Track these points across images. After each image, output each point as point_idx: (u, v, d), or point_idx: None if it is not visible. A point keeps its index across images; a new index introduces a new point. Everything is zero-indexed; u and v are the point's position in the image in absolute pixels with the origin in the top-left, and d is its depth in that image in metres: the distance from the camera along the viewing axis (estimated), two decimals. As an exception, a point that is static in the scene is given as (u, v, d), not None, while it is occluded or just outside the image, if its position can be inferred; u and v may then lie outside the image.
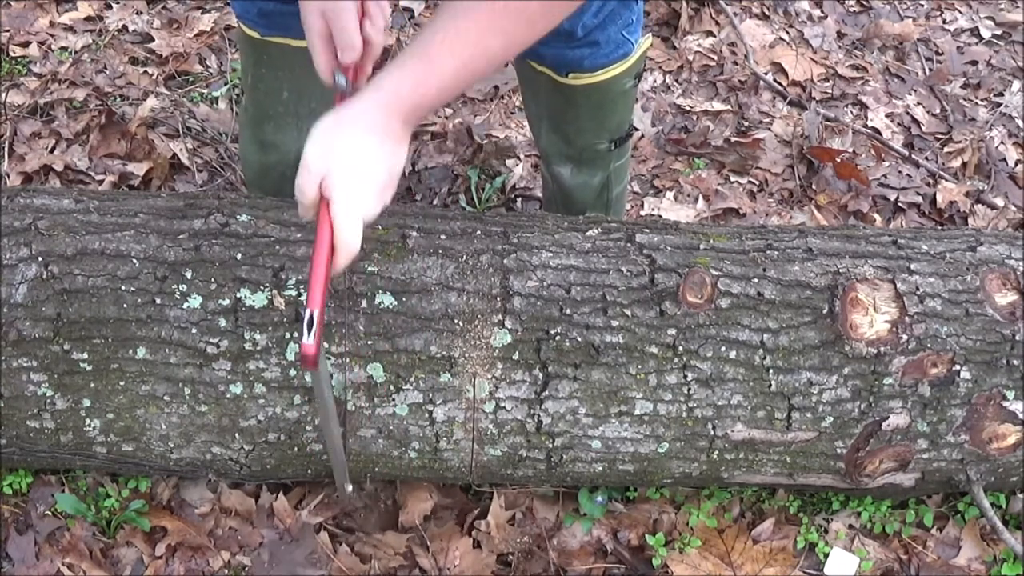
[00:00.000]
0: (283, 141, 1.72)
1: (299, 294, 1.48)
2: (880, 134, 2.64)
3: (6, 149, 2.29)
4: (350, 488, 1.56)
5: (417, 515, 1.76)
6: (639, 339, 1.51)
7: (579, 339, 1.50)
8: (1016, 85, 2.83)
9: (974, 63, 2.90)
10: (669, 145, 2.55)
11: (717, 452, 1.59)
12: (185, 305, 1.48)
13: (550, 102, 1.75)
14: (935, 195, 2.46)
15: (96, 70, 2.52)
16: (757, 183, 2.49)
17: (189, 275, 1.48)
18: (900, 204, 2.45)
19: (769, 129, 2.61)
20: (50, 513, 1.72)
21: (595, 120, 1.77)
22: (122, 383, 1.50)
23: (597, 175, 1.90)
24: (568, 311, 1.51)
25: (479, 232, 1.57)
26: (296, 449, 1.56)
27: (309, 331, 1.19)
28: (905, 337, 1.53)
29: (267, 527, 1.73)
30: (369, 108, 1.22)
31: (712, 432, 1.56)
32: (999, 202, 2.49)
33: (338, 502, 1.76)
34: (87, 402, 1.51)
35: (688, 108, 2.65)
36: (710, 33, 2.88)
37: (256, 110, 1.73)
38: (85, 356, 1.48)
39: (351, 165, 1.21)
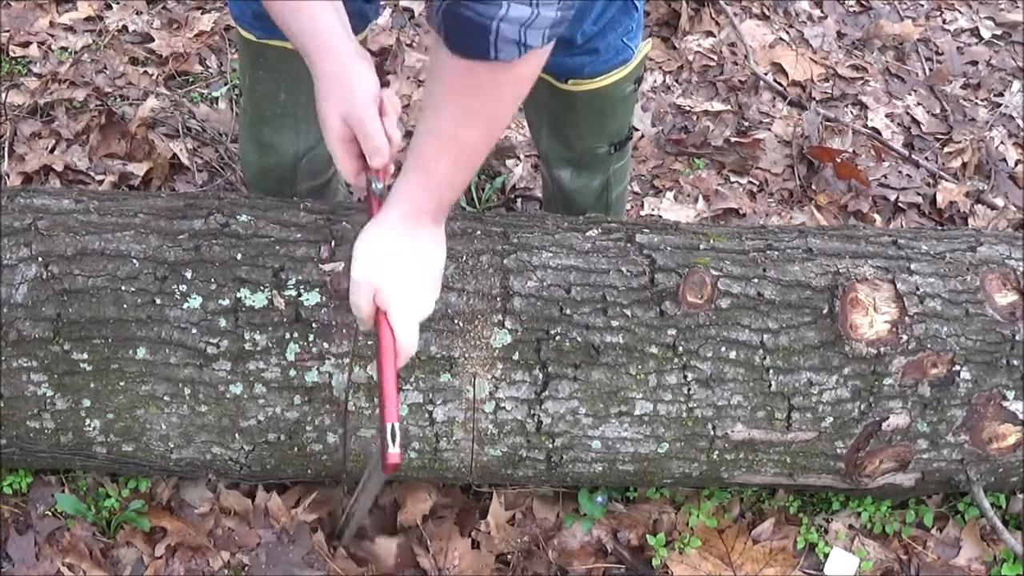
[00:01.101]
0: (281, 143, 1.72)
1: (299, 294, 1.48)
2: (880, 134, 2.64)
3: (6, 149, 2.29)
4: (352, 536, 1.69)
5: (416, 515, 1.76)
6: (639, 339, 1.51)
7: (579, 339, 1.50)
8: (1016, 85, 2.83)
9: (974, 63, 2.90)
10: (669, 145, 2.55)
11: (717, 452, 1.59)
12: (185, 305, 1.48)
13: (550, 107, 1.75)
14: (935, 195, 2.46)
15: (96, 70, 2.52)
16: (757, 183, 2.49)
17: (189, 275, 1.48)
18: (900, 204, 2.45)
19: (769, 129, 2.61)
20: (50, 513, 1.72)
21: (595, 125, 1.77)
22: (122, 383, 1.50)
23: (597, 178, 1.90)
24: (568, 311, 1.51)
25: (479, 232, 1.57)
26: (296, 449, 1.56)
27: (394, 442, 1.26)
28: (905, 337, 1.53)
29: (264, 527, 1.73)
30: (398, 220, 1.29)
31: (712, 432, 1.56)
32: (999, 202, 2.49)
33: (336, 500, 1.76)
34: (87, 402, 1.51)
35: (688, 108, 2.65)
36: (710, 33, 2.88)
37: (254, 111, 1.73)
38: (85, 356, 1.48)
39: (399, 273, 1.29)
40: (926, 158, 2.59)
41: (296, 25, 1.32)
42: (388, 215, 1.30)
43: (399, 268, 1.29)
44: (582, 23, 1.55)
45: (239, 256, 1.50)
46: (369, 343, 1.49)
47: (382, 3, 1.65)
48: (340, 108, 1.29)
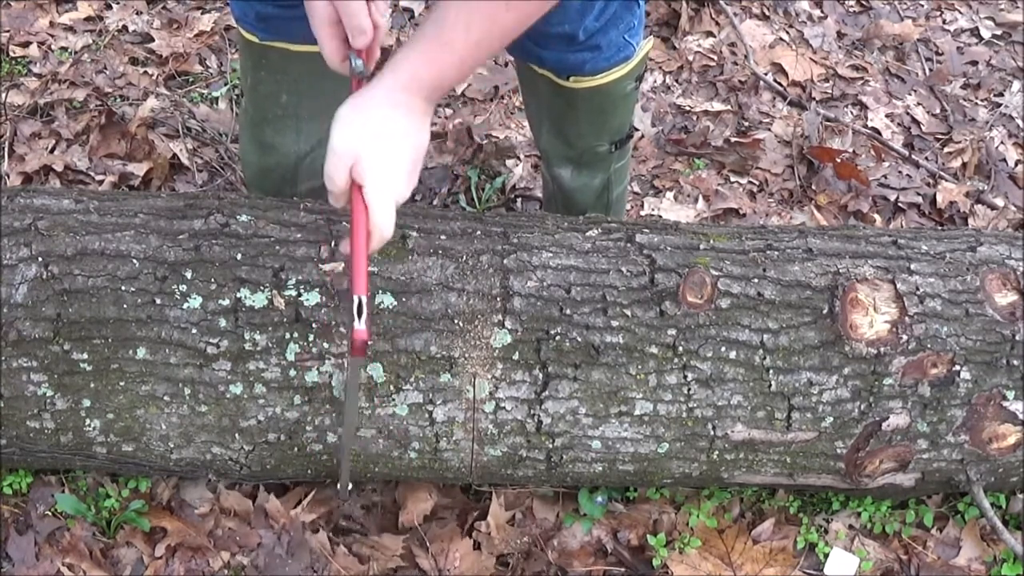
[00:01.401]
0: (282, 143, 1.72)
1: (299, 294, 1.48)
2: (880, 134, 2.64)
3: (6, 149, 2.29)
4: (350, 487, 1.56)
5: (417, 515, 1.76)
6: (639, 339, 1.51)
7: (579, 339, 1.50)
8: (1016, 85, 2.83)
9: (974, 63, 2.90)
10: (669, 145, 2.55)
11: (717, 452, 1.59)
12: (185, 305, 1.48)
13: (551, 104, 1.75)
14: (935, 195, 2.46)
15: (96, 70, 2.52)
16: (757, 183, 2.49)
17: (189, 275, 1.48)
18: (900, 204, 2.45)
19: (769, 129, 2.61)
20: (50, 513, 1.72)
21: (596, 123, 1.77)
22: (122, 383, 1.50)
23: (598, 176, 1.90)
24: (568, 311, 1.51)
25: (479, 232, 1.57)
26: (296, 449, 1.56)
27: (360, 316, 1.20)
28: (905, 337, 1.53)
29: (264, 528, 1.73)
30: (390, 89, 1.23)
31: (712, 432, 1.56)
32: (999, 202, 2.49)
33: (336, 500, 1.75)
34: (87, 402, 1.51)
35: (688, 108, 2.65)
36: (710, 33, 2.88)
37: (256, 112, 1.73)
38: (85, 356, 1.48)
39: (380, 147, 1.22)
40: (926, 158, 2.59)
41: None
42: (382, 83, 1.23)
43: (381, 141, 1.22)
44: (584, 19, 1.55)
45: (239, 256, 1.50)
46: (369, 343, 1.48)
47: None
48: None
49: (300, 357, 1.48)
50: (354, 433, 1.53)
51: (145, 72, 2.54)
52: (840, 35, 2.94)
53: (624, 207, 2.09)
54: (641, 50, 1.68)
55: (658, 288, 1.53)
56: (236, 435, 1.54)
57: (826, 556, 1.78)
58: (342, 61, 1.29)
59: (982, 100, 2.79)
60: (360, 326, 1.20)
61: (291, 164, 1.74)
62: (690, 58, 2.79)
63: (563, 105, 1.73)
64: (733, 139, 2.54)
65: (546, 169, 1.96)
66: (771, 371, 1.53)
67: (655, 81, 2.72)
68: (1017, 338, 1.55)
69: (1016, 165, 2.60)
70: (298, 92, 1.64)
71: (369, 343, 1.20)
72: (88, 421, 1.53)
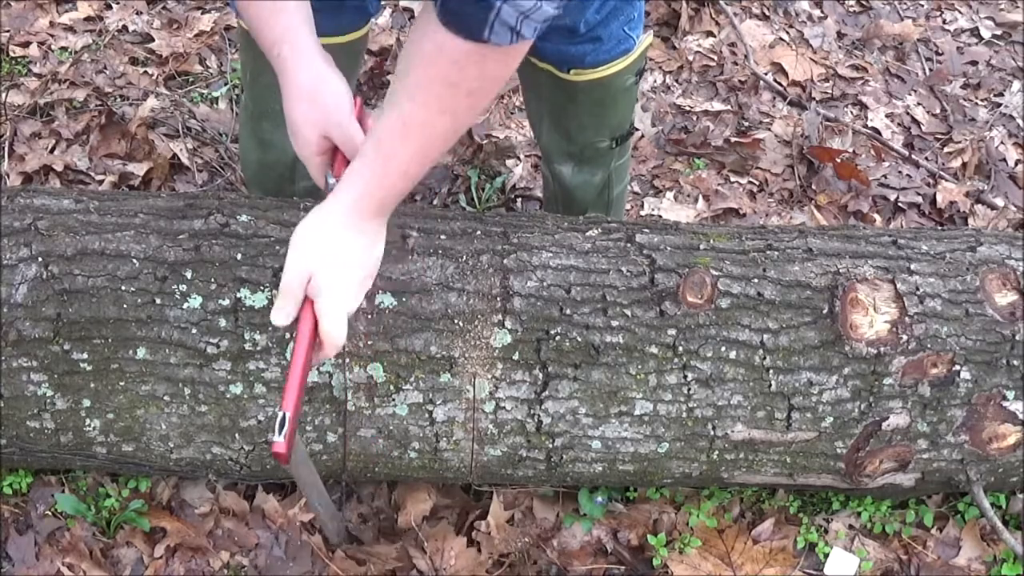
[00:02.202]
0: (281, 139, 1.71)
1: (299, 294, 1.48)
2: (880, 134, 2.64)
3: (6, 149, 2.29)
4: (343, 534, 1.69)
5: (416, 516, 1.76)
6: (639, 339, 1.51)
7: (579, 339, 1.50)
8: (1016, 85, 2.83)
9: (974, 63, 2.90)
10: (669, 145, 2.55)
11: (717, 452, 1.59)
12: (185, 305, 1.48)
13: (551, 99, 1.75)
14: (935, 195, 2.46)
15: (96, 70, 2.52)
16: (757, 183, 2.49)
17: (189, 275, 1.48)
18: (900, 204, 2.45)
19: (769, 129, 2.61)
20: (50, 513, 1.72)
21: (596, 117, 1.77)
22: (122, 383, 1.50)
23: (598, 174, 1.89)
24: (568, 311, 1.51)
25: (479, 232, 1.57)
26: (296, 449, 1.56)
27: (280, 431, 1.24)
28: (905, 337, 1.53)
29: (262, 528, 1.73)
30: (342, 209, 1.28)
31: (712, 432, 1.56)
32: (999, 202, 2.49)
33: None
34: (87, 402, 1.51)
35: (688, 108, 2.65)
36: (710, 33, 2.88)
37: (255, 106, 1.73)
38: (85, 356, 1.48)
39: (333, 264, 1.28)
40: (926, 158, 2.59)
41: (270, 32, 1.32)
42: (336, 201, 1.28)
43: (334, 259, 1.27)
44: (585, 12, 1.55)
45: (239, 256, 1.50)
46: (369, 343, 1.49)
47: (383, 2, 1.65)
48: (320, 124, 1.31)
49: (300, 357, 1.48)
50: (326, 502, 1.62)
51: (145, 72, 2.54)
52: (840, 35, 2.94)
53: (624, 207, 2.09)
54: (641, 44, 1.68)
55: (658, 288, 1.53)
56: (236, 435, 1.54)
57: (826, 556, 1.78)
58: (325, 181, 1.35)
59: (982, 100, 2.79)
60: (278, 439, 1.24)
61: (289, 161, 1.74)
62: (690, 58, 2.79)
63: (564, 99, 1.73)
64: (733, 139, 2.54)
65: (547, 167, 1.96)
66: (771, 371, 1.53)
67: (655, 81, 2.72)
68: (1017, 338, 1.55)
69: (1016, 165, 2.60)
70: None
71: (286, 454, 1.25)
72: (88, 421, 1.53)
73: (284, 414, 1.24)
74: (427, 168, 1.30)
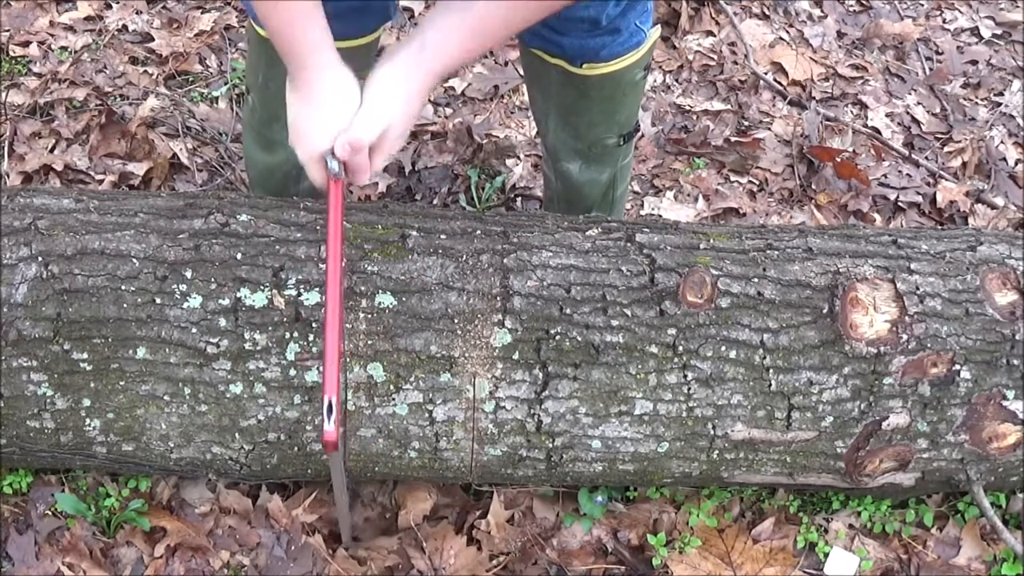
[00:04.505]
0: None
1: (299, 294, 1.48)
2: (880, 134, 2.64)
3: (6, 149, 2.29)
4: (350, 535, 1.69)
5: (416, 516, 1.76)
6: (639, 339, 1.51)
7: (579, 339, 1.50)
8: (1016, 85, 2.83)
9: (974, 63, 2.90)
10: (669, 145, 2.55)
11: (717, 452, 1.59)
12: (185, 305, 1.48)
13: (560, 95, 1.75)
14: (935, 195, 2.46)
15: (96, 70, 2.52)
16: (757, 183, 2.49)
17: (189, 275, 1.48)
18: (900, 204, 2.45)
19: (769, 129, 2.61)
20: (50, 513, 1.72)
21: (606, 113, 1.77)
22: (122, 383, 1.50)
23: (605, 171, 1.89)
24: (568, 311, 1.51)
25: (479, 232, 1.57)
26: (296, 449, 1.56)
27: (329, 418, 1.23)
28: (905, 337, 1.53)
29: (264, 527, 1.73)
30: (424, 76, 1.30)
31: (712, 432, 1.56)
32: (999, 202, 2.49)
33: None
34: (87, 402, 1.51)
35: (688, 108, 2.65)
36: (710, 33, 2.88)
37: (264, 110, 1.73)
38: (85, 356, 1.48)
39: (404, 119, 1.31)
40: (926, 158, 2.59)
41: (296, 43, 1.32)
42: (406, 59, 1.29)
43: (407, 115, 1.31)
44: (608, 4, 1.55)
45: (239, 256, 1.50)
46: (369, 343, 1.49)
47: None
48: (334, 132, 1.31)
49: (300, 357, 1.48)
50: (347, 504, 1.62)
51: (145, 72, 2.54)
52: (840, 34, 2.94)
53: (624, 207, 2.09)
54: (650, 37, 1.69)
55: (658, 288, 1.53)
56: (236, 434, 1.54)
57: (826, 555, 1.78)
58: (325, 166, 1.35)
59: (982, 99, 2.79)
60: (329, 427, 1.23)
61: (296, 161, 1.74)
62: (690, 57, 2.79)
63: (574, 95, 1.73)
64: (733, 138, 2.54)
65: (552, 166, 1.95)
66: (771, 370, 1.53)
67: (655, 80, 2.72)
68: (1017, 337, 1.55)
69: (1016, 164, 2.60)
70: None
71: (336, 442, 1.25)
72: (88, 421, 1.53)
73: (330, 400, 1.22)
74: (497, 47, 1.36)
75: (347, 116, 1.31)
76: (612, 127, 1.80)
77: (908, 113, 2.72)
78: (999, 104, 2.77)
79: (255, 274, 1.49)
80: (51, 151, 2.32)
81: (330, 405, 1.23)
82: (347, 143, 1.28)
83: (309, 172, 1.37)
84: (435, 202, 2.33)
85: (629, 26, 1.62)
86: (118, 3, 2.71)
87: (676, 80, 2.75)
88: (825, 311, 1.53)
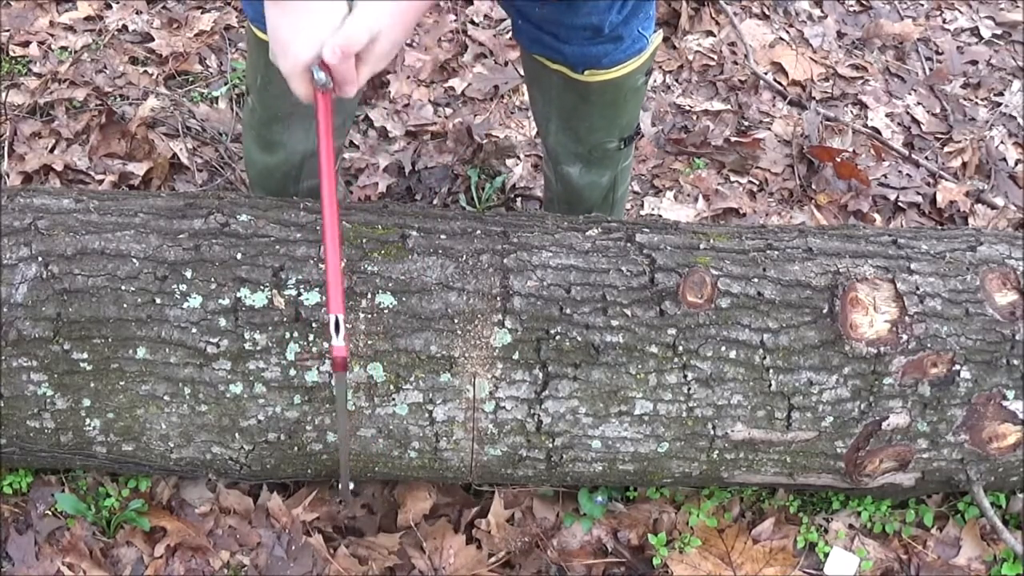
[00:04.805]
0: (290, 140, 1.72)
1: (299, 294, 1.48)
2: (880, 134, 2.64)
3: (6, 149, 2.29)
4: (352, 486, 1.57)
5: (416, 515, 1.76)
6: (639, 339, 1.51)
7: (579, 339, 1.50)
8: (1016, 85, 2.83)
9: (974, 63, 2.90)
10: (669, 145, 2.55)
11: (717, 452, 1.59)
12: (185, 305, 1.48)
13: (562, 100, 1.75)
14: (935, 195, 2.46)
15: (96, 70, 2.52)
16: (757, 183, 2.49)
17: (189, 275, 1.48)
18: (900, 204, 2.45)
19: (769, 129, 2.61)
20: (50, 513, 1.72)
21: (607, 118, 1.77)
22: (122, 383, 1.50)
23: (606, 175, 1.89)
24: (568, 311, 1.51)
25: (479, 232, 1.57)
26: (296, 449, 1.56)
27: (337, 333, 1.23)
28: (905, 337, 1.53)
29: (265, 527, 1.73)
30: None
31: (712, 432, 1.56)
32: (999, 202, 2.49)
33: (336, 500, 1.75)
34: (87, 402, 1.51)
35: (688, 108, 2.65)
36: (710, 33, 2.88)
37: (264, 112, 1.73)
38: (85, 356, 1.48)
39: (395, 27, 1.24)
40: (926, 158, 2.59)
41: None
42: None
43: (401, 26, 1.24)
44: (611, 12, 1.55)
45: (239, 256, 1.50)
46: (369, 343, 1.49)
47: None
48: (319, 41, 1.23)
49: (300, 357, 1.49)
50: (348, 441, 1.55)
51: (145, 72, 2.54)
52: (840, 34, 2.94)
53: (624, 207, 2.09)
54: (652, 43, 1.69)
55: (658, 288, 1.53)
56: (236, 434, 1.54)
57: (826, 555, 1.78)
58: (311, 95, 1.30)
59: (982, 99, 2.79)
60: (339, 342, 1.23)
61: (297, 161, 1.74)
62: (690, 57, 2.79)
63: (575, 100, 1.73)
64: (733, 139, 2.54)
65: (552, 168, 1.95)
66: (771, 371, 1.53)
67: (655, 81, 2.72)
68: (1017, 337, 1.55)
69: (1016, 164, 2.60)
70: None
71: (348, 358, 1.25)
72: (88, 421, 1.53)
73: (337, 317, 1.22)
74: None
75: (335, 22, 1.25)
76: (613, 131, 1.80)
77: (908, 113, 2.72)
78: (999, 104, 2.77)
79: (255, 274, 1.49)
80: (51, 151, 2.32)
81: (336, 322, 1.23)
82: (337, 46, 1.21)
83: (293, 86, 1.30)
84: (435, 202, 2.33)
85: (631, 33, 1.62)
86: (118, 3, 2.71)
87: (676, 80, 2.75)
88: (825, 311, 1.53)
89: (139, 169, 2.28)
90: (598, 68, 1.64)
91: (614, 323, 1.51)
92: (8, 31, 2.56)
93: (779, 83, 2.75)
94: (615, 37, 1.60)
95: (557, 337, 1.50)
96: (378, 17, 1.24)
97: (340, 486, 1.61)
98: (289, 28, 1.27)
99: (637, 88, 1.74)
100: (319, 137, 1.31)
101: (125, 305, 1.47)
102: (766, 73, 2.77)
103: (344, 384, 1.39)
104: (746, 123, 2.63)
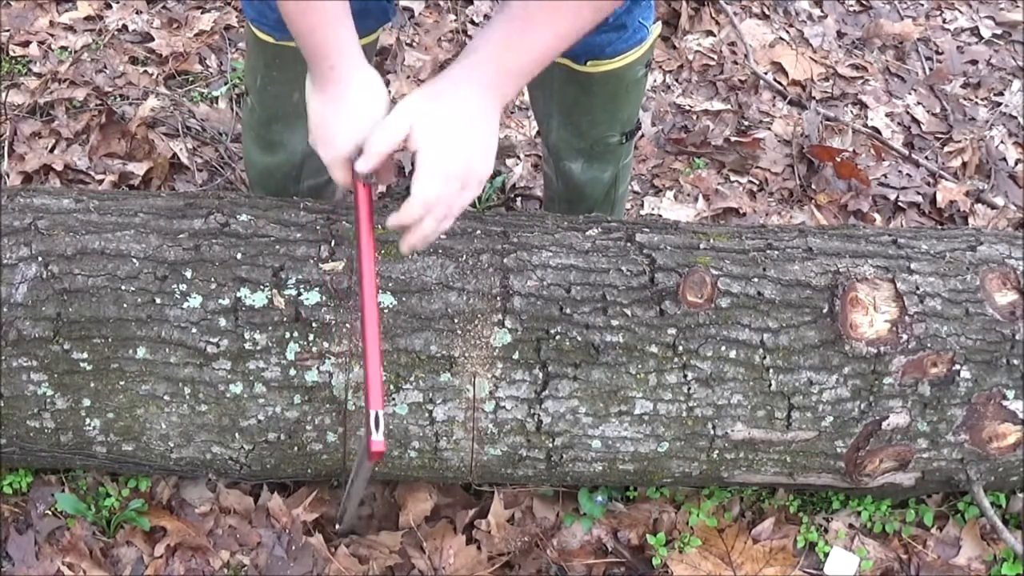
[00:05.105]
0: (291, 140, 1.72)
1: (299, 294, 1.48)
2: (880, 134, 2.64)
3: (6, 149, 2.29)
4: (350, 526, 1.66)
5: (417, 516, 1.76)
6: (639, 339, 1.51)
7: (579, 339, 1.50)
8: (1016, 84, 2.83)
9: (974, 62, 2.90)
10: (669, 145, 2.55)
11: (717, 452, 1.59)
12: (185, 305, 1.48)
13: (563, 93, 1.75)
14: (935, 195, 2.46)
15: (96, 70, 2.52)
16: (757, 183, 2.49)
17: (189, 275, 1.48)
18: (900, 204, 2.45)
19: (769, 129, 2.61)
20: (50, 513, 1.72)
21: (608, 111, 1.77)
22: (122, 383, 1.50)
23: (608, 170, 1.89)
24: (568, 311, 1.51)
25: (479, 232, 1.57)
26: (296, 449, 1.56)
27: (377, 429, 1.23)
28: (905, 337, 1.53)
29: (265, 527, 1.73)
30: (470, 89, 1.21)
31: (712, 432, 1.56)
32: (999, 202, 2.49)
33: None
34: (87, 402, 1.51)
35: (688, 108, 2.65)
36: (710, 32, 2.88)
37: (264, 112, 1.73)
38: (85, 356, 1.48)
39: (439, 119, 1.21)
40: (926, 157, 2.59)
41: (323, 44, 1.29)
42: (459, 79, 1.20)
43: (444, 117, 1.20)
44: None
45: (239, 255, 1.50)
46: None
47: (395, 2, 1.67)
48: (361, 135, 1.26)
49: (300, 356, 1.49)
50: (359, 497, 1.59)
51: (145, 71, 2.54)
52: (840, 34, 2.94)
53: (625, 207, 2.09)
54: (652, 33, 1.69)
55: (658, 287, 1.53)
56: (236, 434, 1.54)
57: (826, 555, 1.78)
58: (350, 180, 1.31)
59: (982, 99, 2.79)
60: (378, 437, 1.22)
61: (297, 162, 1.74)
62: (690, 57, 2.79)
63: (577, 93, 1.73)
64: (733, 138, 2.54)
65: (554, 166, 1.95)
66: (771, 370, 1.53)
67: (655, 80, 2.72)
68: (1017, 337, 1.55)
69: (1016, 164, 2.60)
70: None
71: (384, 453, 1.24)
72: (88, 420, 1.53)
73: (377, 413, 1.22)
74: (548, 62, 1.23)
75: (375, 117, 1.26)
76: (615, 125, 1.80)
77: (908, 113, 2.72)
78: (999, 104, 2.77)
79: (255, 274, 1.49)
80: (51, 151, 2.32)
81: (377, 417, 1.23)
82: (373, 154, 1.23)
83: (333, 174, 1.33)
84: (435, 202, 2.33)
85: (633, 22, 1.63)
86: (118, 3, 2.71)
87: (676, 80, 2.75)
88: (825, 311, 1.53)
89: (139, 169, 2.28)
90: (600, 58, 1.64)
91: (614, 323, 1.51)
92: (8, 31, 2.56)
93: (779, 83, 2.75)
94: (618, 25, 1.60)
95: (557, 337, 1.50)
96: (409, 113, 1.22)
97: (345, 522, 1.67)
98: (333, 119, 1.28)
99: (638, 80, 1.74)
100: (359, 226, 1.28)
101: (125, 305, 1.47)
102: (766, 73, 2.77)
103: (368, 472, 1.39)
104: (746, 123, 2.63)
